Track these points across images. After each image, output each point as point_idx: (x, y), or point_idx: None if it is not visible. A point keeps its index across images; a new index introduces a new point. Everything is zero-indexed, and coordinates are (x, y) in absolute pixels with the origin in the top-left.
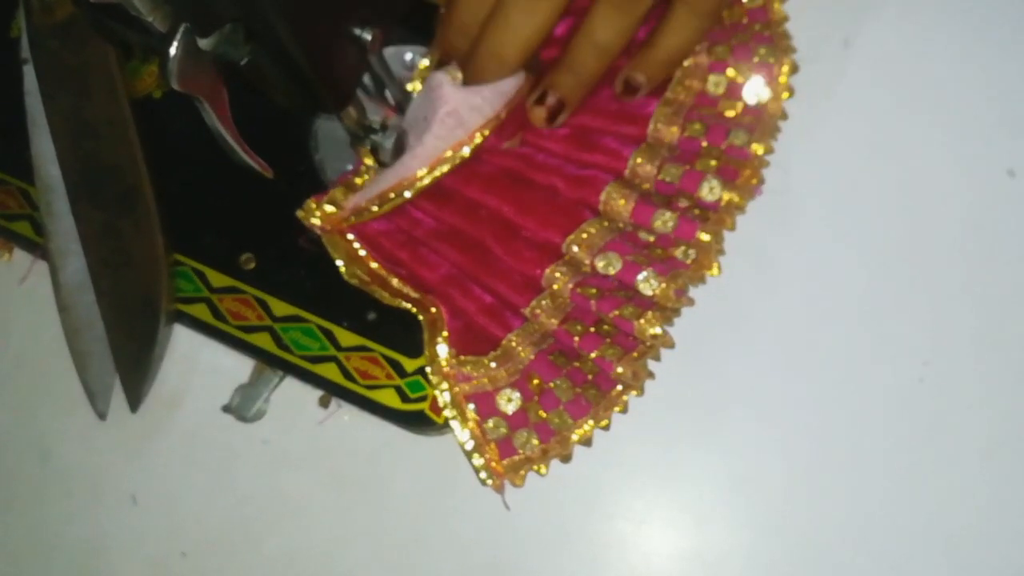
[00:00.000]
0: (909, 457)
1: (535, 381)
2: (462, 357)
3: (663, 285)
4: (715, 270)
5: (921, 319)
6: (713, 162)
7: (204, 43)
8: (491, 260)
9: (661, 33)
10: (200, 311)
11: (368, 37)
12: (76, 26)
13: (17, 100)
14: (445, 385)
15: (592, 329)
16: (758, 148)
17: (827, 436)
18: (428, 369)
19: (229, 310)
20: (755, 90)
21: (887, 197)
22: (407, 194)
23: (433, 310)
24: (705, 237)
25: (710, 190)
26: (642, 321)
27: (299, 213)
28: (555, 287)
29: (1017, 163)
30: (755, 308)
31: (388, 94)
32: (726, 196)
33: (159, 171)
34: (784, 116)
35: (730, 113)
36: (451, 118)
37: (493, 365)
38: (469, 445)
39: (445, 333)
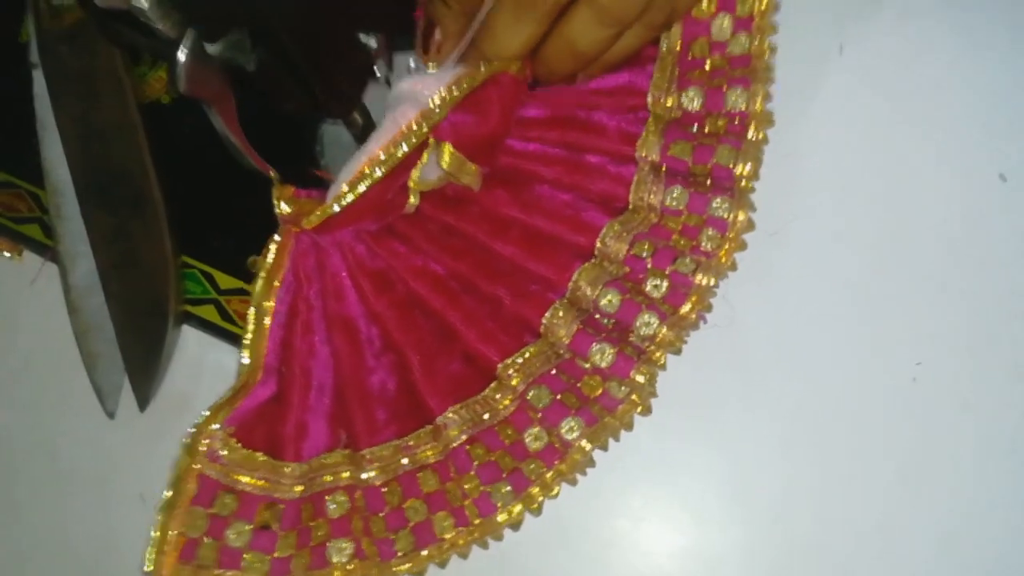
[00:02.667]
0: (903, 456)
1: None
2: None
3: (584, 443)
4: (645, 412)
5: (914, 320)
6: (654, 291)
7: (212, 49)
8: (424, 361)
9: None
10: (208, 312)
11: (374, 43)
12: (85, 31)
13: (27, 104)
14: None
15: (493, 458)
16: (703, 279)
17: (823, 435)
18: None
19: (237, 312)
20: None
21: (880, 200)
22: (362, 187)
23: None
24: (640, 379)
25: (646, 325)
26: (548, 476)
27: (275, 191)
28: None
29: (1008, 167)
30: (751, 308)
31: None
32: (661, 332)
33: (167, 175)
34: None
35: (679, 223)
36: (405, 99)
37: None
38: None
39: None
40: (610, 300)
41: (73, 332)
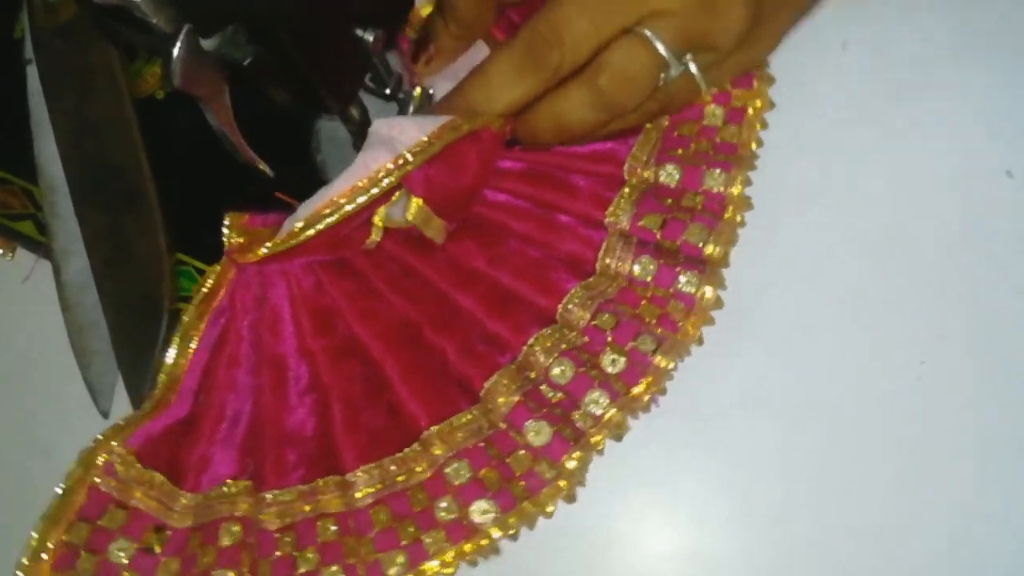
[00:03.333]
0: (905, 457)
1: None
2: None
3: (493, 530)
4: (569, 500)
5: (919, 319)
6: (610, 366)
7: (207, 44)
8: (348, 411)
9: (552, 99)
10: None
11: (370, 38)
12: (79, 27)
13: (21, 101)
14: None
15: (395, 525)
16: (662, 361)
17: (824, 435)
18: None
19: None
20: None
21: (884, 199)
22: (311, 231)
23: None
24: (571, 464)
25: (595, 403)
26: (449, 555)
27: (228, 219)
28: (392, 470)
29: (1015, 164)
30: (753, 309)
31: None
32: (608, 414)
33: (162, 171)
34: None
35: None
36: (380, 143)
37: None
38: None
39: None
40: (563, 371)
41: (67, 330)
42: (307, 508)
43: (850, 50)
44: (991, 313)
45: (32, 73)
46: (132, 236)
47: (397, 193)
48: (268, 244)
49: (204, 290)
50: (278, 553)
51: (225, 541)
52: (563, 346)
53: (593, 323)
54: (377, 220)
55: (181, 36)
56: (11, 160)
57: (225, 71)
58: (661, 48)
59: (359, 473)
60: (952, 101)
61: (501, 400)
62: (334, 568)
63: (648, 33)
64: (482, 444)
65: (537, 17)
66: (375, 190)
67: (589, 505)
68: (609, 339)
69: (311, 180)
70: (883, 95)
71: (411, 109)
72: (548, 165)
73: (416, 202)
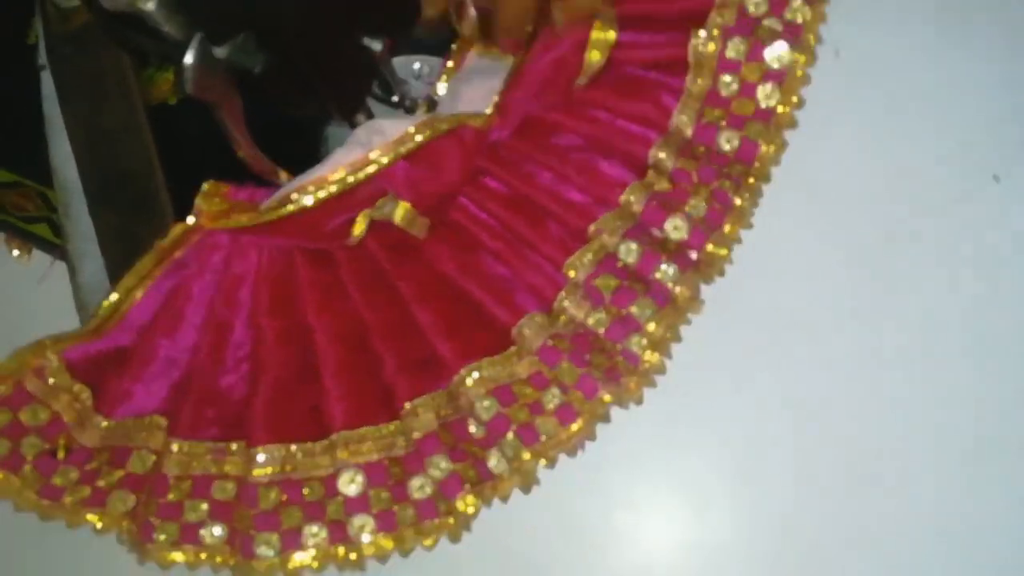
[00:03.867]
0: (905, 452)
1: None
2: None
3: (368, 543)
4: (455, 539)
5: (918, 319)
6: (550, 402)
7: (219, 52)
8: (276, 391)
9: None
10: None
11: (377, 47)
12: (92, 34)
13: (35, 105)
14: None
15: (280, 510)
16: (605, 395)
17: (825, 431)
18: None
19: None
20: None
21: (877, 201)
22: (290, 207)
23: None
24: (462, 507)
25: (511, 445)
26: (325, 550)
27: (206, 187)
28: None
29: (1002, 168)
30: (754, 306)
31: (397, 101)
32: (523, 458)
33: (174, 175)
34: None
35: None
36: (356, 143)
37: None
38: None
39: None
40: (487, 408)
41: None
42: (211, 465)
43: (843, 57)
44: (983, 313)
45: (46, 79)
46: (145, 238)
47: (382, 199)
48: (247, 216)
49: (165, 242)
50: (170, 496)
51: (135, 467)
52: (503, 381)
53: (549, 343)
54: (360, 218)
55: (193, 44)
56: (26, 164)
57: (236, 78)
58: None
59: (265, 450)
60: (941, 107)
61: (419, 424)
62: (219, 526)
63: None
64: (386, 461)
65: None
66: (344, 182)
67: (591, 497)
68: (561, 365)
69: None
70: (874, 101)
71: (417, 115)
72: (530, 200)
73: (404, 206)
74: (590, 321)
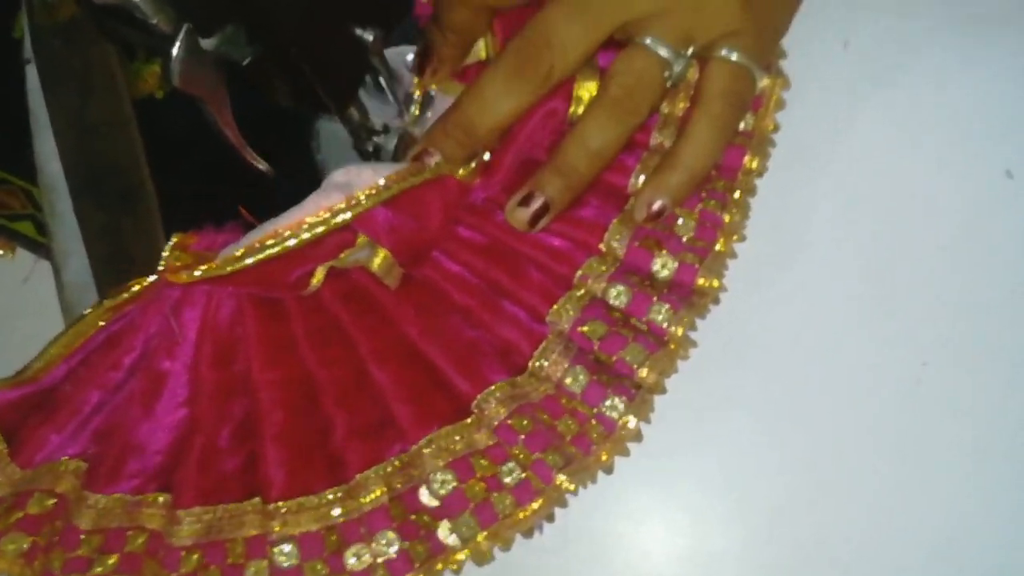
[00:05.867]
0: (906, 458)
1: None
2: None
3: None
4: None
5: (919, 320)
6: (507, 477)
7: (206, 44)
8: (205, 450)
9: (681, 147)
10: None
11: (369, 38)
12: (78, 26)
13: (20, 100)
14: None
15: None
16: (564, 483)
17: (825, 437)
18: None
19: None
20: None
21: (885, 198)
22: (249, 260)
23: None
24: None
25: (466, 525)
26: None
27: (175, 239)
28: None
29: (1015, 164)
30: (753, 309)
31: (390, 95)
32: (477, 539)
33: (161, 171)
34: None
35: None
36: (335, 187)
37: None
38: None
39: None
40: (443, 482)
41: None
42: (123, 517)
43: (851, 49)
44: (993, 313)
45: (31, 73)
46: (131, 236)
47: (361, 238)
48: (202, 268)
49: (124, 296)
50: (80, 551)
51: (33, 509)
52: (461, 452)
53: (508, 422)
54: (320, 268)
55: (180, 36)
56: (10, 160)
57: (224, 71)
58: (660, 49)
59: (186, 517)
60: (952, 101)
61: (369, 498)
62: None
63: (647, 40)
64: (323, 532)
65: (526, 27)
66: (321, 228)
67: (588, 505)
68: (519, 445)
69: (311, 180)
70: (883, 94)
71: (412, 110)
72: (508, 247)
73: (383, 253)
74: (567, 380)
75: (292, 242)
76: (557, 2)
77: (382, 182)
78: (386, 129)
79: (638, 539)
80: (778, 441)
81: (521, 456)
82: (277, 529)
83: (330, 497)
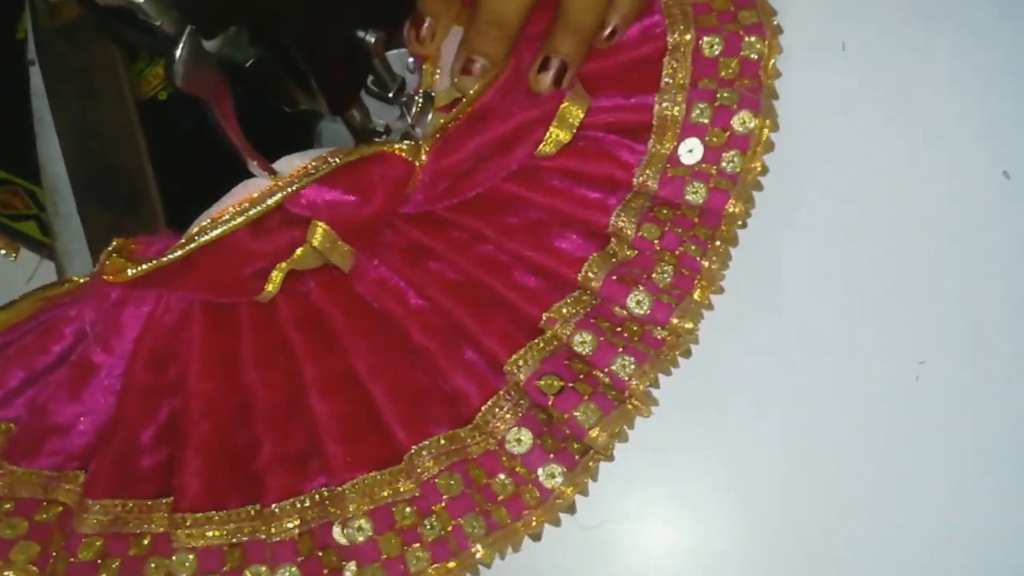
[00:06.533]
0: (905, 455)
1: None
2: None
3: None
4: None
5: (917, 319)
6: (427, 531)
7: (209, 45)
8: (133, 443)
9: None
10: None
11: (371, 40)
12: (82, 28)
13: (24, 101)
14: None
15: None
16: (479, 552)
17: (823, 434)
18: None
19: None
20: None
21: (883, 199)
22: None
23: None
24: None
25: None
26: None
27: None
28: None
29: (1012, 164)
30: (751, 308)
31: (392, 96)
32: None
33: (164, 171)
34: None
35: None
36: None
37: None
38: None
39: None
40: (360, 528)
41: None
42: (39, 491)
43: (849, 50)
44: (990, 312)
45: (35, 74)
46: (134, 235)
47: (303, 248)
48: (137, 267)
49: (57, 290)
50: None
51: None
52: (385, 495)
53: (435, 480)
54: (276, 272)
55: (183, 38)
56: (14, 161)
57: (227, 73)
58: None
59: (98, 503)
60: (950, 102)
61: (281, 527)
62: (32, 548)
63: None
64: (226, 548)
65: None
66: (255, 210)
67: (588, 503)
68: (441, 505)
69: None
70: (881, 96)
71: (414, 111)
72: (481, 285)
73: (322, 227)
74: (510, 440)
75: (216, 232)
76: None
77: (307, 164)
78: (388, 130)
79: (638, 538)
80: (778, 440)
81: (442, 517)
82: (182, 538)
83: (241, 515)
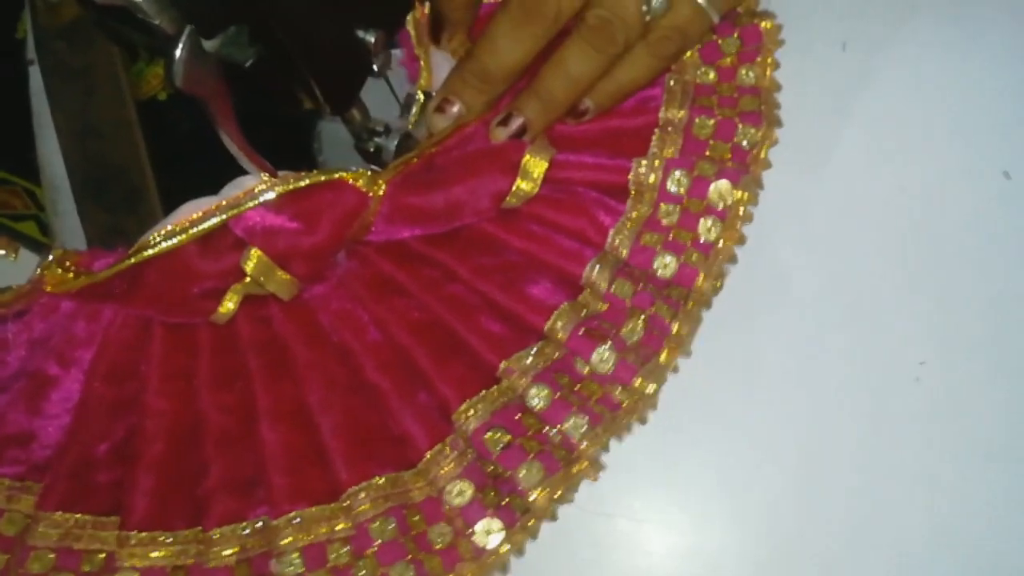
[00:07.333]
0: (905, 456)
1: None
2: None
3: None
4: None
5: (918, 320)
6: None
7: (209, 45)
8: (88, 457)
9: (617, 67)
10: None
11: (372, 39)
12: (82, 27)
13: (23, 101)
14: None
15: None
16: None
17: (823, 435)
18: None
19: None
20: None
21: (884, 199)
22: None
23: None
24: None
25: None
26: None
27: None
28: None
29: (1013, 165)
30: (752, 309)
31: (392, 95)
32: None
33: (163, 172)
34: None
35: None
36: (222, 195)
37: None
38: None
39: None
40: (293, 564)
41: None
42: (5, 501)
43: (850, 50)
44: (991, 313)
45: (34, 73)
46: (134, 236)
47: (251, 253)
48: (77, 279)
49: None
50: None
51: None
52: (322, 531)
53: (369, 524)
54: (230, 295)
55: (183, 37)
56: (13, 160)
57: (227, 72)
58: None
59: (49, 516)
60: (950, 103)
61: (220, 553)
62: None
63: None
64: (169, 569)
65: None
66: (195, 229)
67: (589, 504)
68: (372, 549)
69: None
70: (882, 96)
71: (413, 111)
72: (445, 327)
73: (256, 254)
74: (450, 491)
75: (152, 251)
76: None
77: (257, 186)
78: (387, 130)
79: (638, 538)
80: (777, 441)
81: (371, 563)
82: (125, 556)
83: (187, 538)
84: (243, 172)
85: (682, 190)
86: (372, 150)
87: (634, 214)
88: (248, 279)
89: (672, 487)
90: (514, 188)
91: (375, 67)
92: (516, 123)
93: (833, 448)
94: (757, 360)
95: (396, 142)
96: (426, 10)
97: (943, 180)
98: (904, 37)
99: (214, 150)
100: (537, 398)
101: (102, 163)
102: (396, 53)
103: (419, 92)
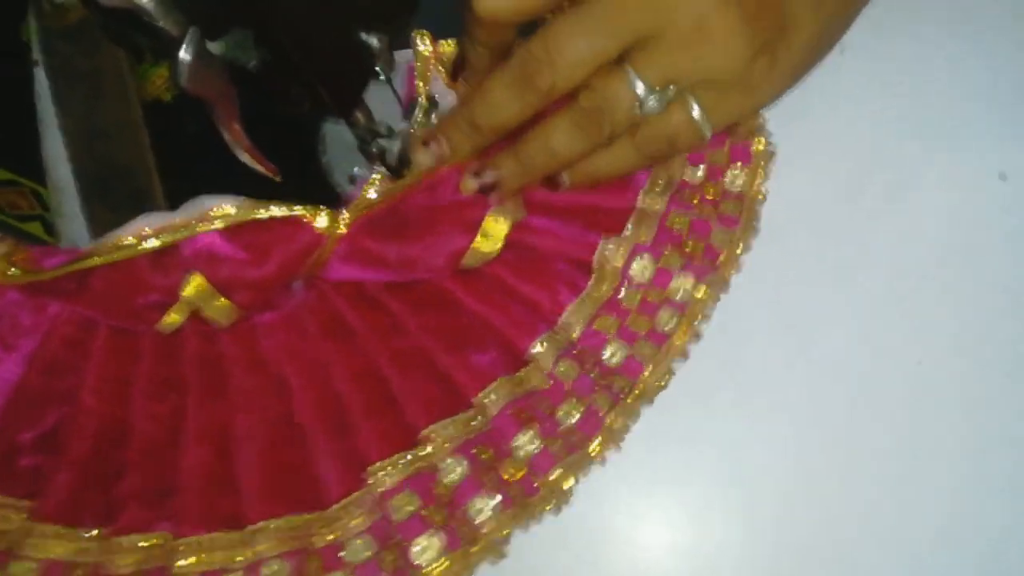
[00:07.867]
0: (903, 455)
1: None
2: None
3: None
4: None
5: (914, 320)
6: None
7: (214, 47)
8: (12, 442)
9: (599, 153)
10: None
11: (375, 42)
12: (87, 29)
13: (29, 102)
14: None
15: None
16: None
17: (821, 433)
18: None
19: None
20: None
21: (881, 200)
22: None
23: None
24: None
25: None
26: None
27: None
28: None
29: (1008, 166)
30: (750, 307)
31: (395, 98)
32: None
33: (169, 173)
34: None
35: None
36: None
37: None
38: None
39: None
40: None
41: None
42: None
43: (848, 54)
44: (987, 313)
45: (40, 75)
46: None
47: (193, 277)
48: (20, 271)
49: None
50: None
51: None
52: (219, 559)
53: (263, 565)
54: (177, 308)
55: (188, 39)
56: (19, 161)
57: (231, 75)
58: (637, 83)
59: None
60: (948, 103)
61: (115, 561)
62: None
63: (629, 70)
64: (70, 567)
65: (533, 38)
66: (144, 246)
67: (587, 501)
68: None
69: (316, 182)
70: (880, 99)
71: (416, 114)
72: (381, 381)
73: (197, 280)
74: (350, 543)
75: (97, 259)
76: (565, 17)
77: (224, 210)
78: (391, 132)
79: (638, 535)
80: (776, 437)
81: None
82: (27, 546)
83: (87, 538)
84: (246, 173)
85: (646, 276)
86: (376, 152)
87: (595, 293)
88: (186, 295)
89: (672, 484)
90: (472, 247)
91: (378, 70)
92: (488, 177)
93: (830, 445)
94: (755, 359)
95: (399, 144)
96: (439, 48)
97: (940, 181)
98: (901, 39)
99: (219, 151)
100: (451, 471)
101: (108, 164)
102: (400, 56)
103: (422, 96)
